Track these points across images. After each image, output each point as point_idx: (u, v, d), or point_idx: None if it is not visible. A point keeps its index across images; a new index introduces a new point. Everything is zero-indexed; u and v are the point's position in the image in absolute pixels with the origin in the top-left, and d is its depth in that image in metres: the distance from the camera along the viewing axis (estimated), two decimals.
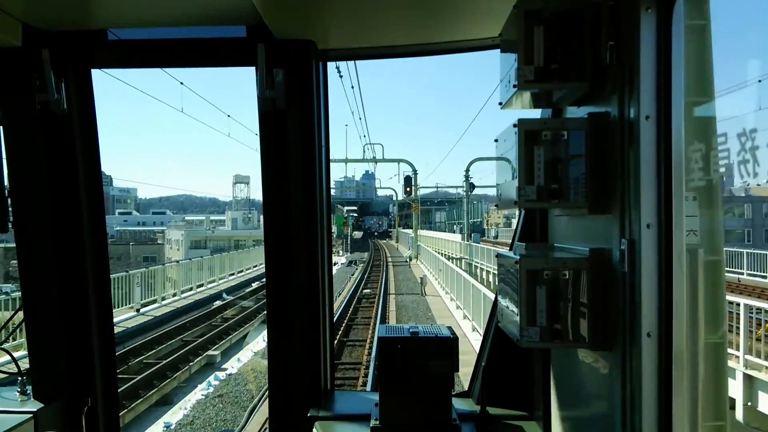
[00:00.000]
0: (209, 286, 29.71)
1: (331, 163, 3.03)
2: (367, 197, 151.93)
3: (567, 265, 1.88)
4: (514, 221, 2.94)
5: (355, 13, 2.56)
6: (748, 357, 11.57)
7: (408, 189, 43.50)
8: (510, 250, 2.83)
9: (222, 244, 60.79)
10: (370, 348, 17.01)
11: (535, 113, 2.38)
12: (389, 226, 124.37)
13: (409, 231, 66.97)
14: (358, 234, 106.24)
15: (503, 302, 2.19)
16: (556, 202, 1.88)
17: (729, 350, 11.41)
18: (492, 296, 11.26)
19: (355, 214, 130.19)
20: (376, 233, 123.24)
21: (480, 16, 2.51)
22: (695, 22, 1.65)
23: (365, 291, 29.82)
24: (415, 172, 44.31)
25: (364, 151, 52.78)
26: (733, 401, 11.41)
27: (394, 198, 79.35)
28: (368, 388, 13.24)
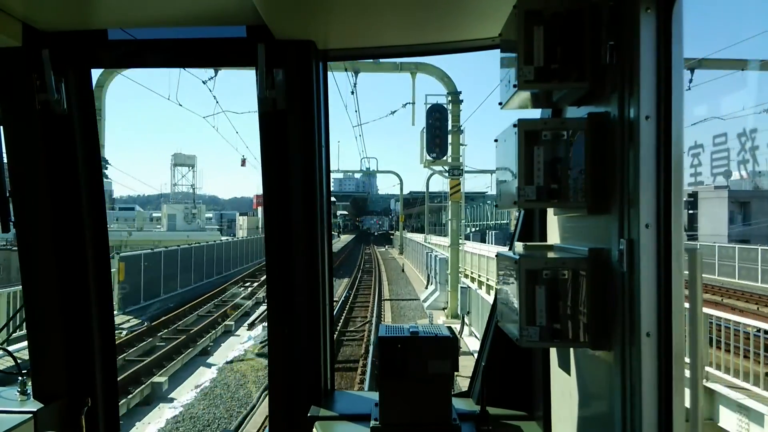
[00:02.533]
0: None
1: None
2: (363, 191, 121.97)
3: (566, 265, 1.88)
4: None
5: (355, 13, 2.56)
6: None
7: (438, 141, 18.27)
8: (509, 249, 2.84)
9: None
10: None
11: (535, 113, 2.38)
12: (391, 228, 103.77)
13: (419, 236, 46.26)
14: (344, 238, 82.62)
15: (503, 302, 2.19)
16: (556, 202, 1.89)
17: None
18: None
19: (345, 212, 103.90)
20: (375, 233, 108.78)
21: (480, 16, 2.51)
22: None
23: None
24: (454, 96, 18.95)
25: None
26: None
27: (398, 190, 55.22)
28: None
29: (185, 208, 57.07)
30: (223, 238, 48.88)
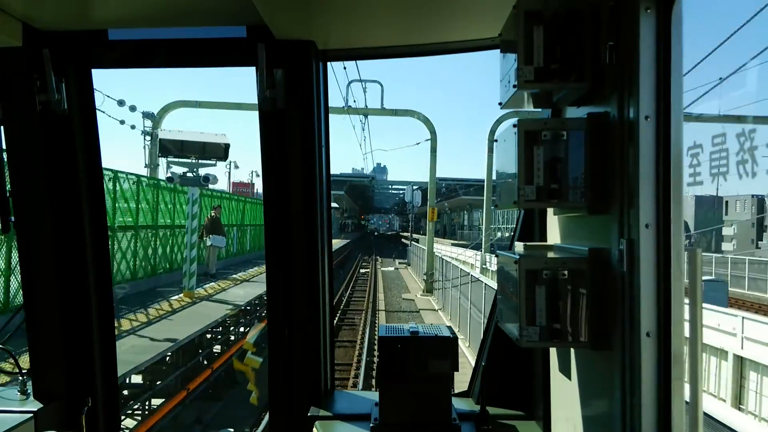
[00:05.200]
0: None
1: None
2: (363, 175, 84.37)
3: (566, 264, 1.88)
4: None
5: (355, 13, 2.56)
6: None
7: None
8: (509, 249, 2.84)
9: None
10: None
11: (535, 113, 2.38)
12: (402, 228, 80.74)
13: (463, 253, 29.31)
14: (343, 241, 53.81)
15: (503, 302, 2.19)
16: (556, 202, 1.88)
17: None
18: None
19: (336, 205, 72.08)
20: (378, 232, 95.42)
21: (480, 16, 2.51)
22: None
23: None
24: None
25: None
26: None
27: (411, 179, 35.58)
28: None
29: None
30: None
